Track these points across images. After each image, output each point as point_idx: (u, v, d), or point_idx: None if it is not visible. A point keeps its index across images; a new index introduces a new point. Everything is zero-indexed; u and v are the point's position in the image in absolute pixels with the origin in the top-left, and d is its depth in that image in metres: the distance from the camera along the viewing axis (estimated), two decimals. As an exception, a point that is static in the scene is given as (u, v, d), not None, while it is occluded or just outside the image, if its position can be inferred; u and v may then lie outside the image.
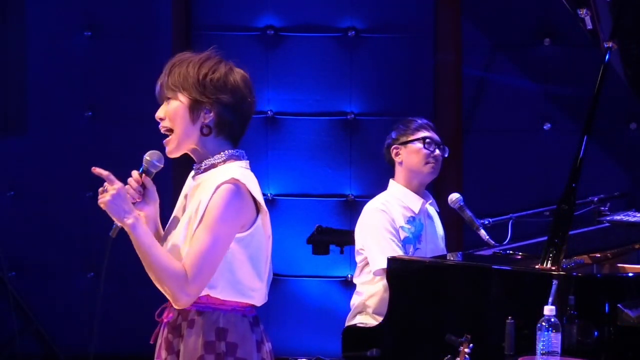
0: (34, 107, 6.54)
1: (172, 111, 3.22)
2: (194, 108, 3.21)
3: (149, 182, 3.25)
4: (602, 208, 5.41)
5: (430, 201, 4.97)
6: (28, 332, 6.56)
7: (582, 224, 5.08)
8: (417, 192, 4.90)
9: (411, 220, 4.84)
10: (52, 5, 6.62)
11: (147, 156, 3.26)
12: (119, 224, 3.12)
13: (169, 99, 3.23)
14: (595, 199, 5.41)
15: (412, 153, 4.88)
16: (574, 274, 4.03)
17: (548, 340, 3.58)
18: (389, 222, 4.77)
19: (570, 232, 4.14)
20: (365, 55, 6.60)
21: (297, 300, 6.56)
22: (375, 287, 4.77)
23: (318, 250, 6.10)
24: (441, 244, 5.00)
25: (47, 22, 6.61)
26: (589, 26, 4.87)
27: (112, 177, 3.14)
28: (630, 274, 4.29)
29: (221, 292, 3.19)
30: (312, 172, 6.58)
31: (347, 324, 4.89)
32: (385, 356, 4.48)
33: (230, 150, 3.24)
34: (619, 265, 4.50)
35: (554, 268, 4.00)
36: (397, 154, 4.90)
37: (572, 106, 6.45)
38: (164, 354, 3.26)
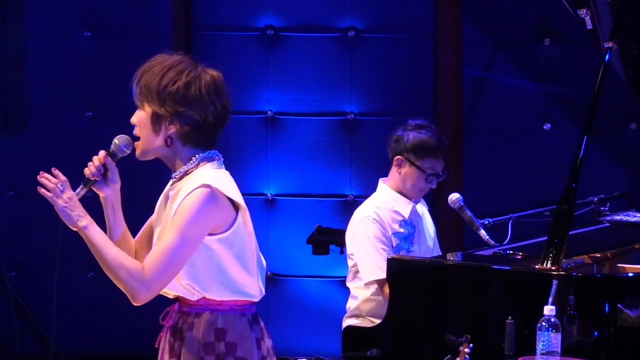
0: (34, 107, 6.54)
1: (138, 120, 3.26)
2: (156, 120, 3.22)
3: (110, 163, 3.27)
4: (602, 208, 5.41)
5: (420, 201, 4.97)
6: (28, 332, 6.56)
7: (582, 224, 5.08)
8: (406, 196, 4.88)
9: (403, 223, 4.83)
10: (52, 5, 6.62)
11: (116, 140, 3.29)
12: (73, 227, 3.18)
13: (138, 107, 3.27)
14: (595, 199, 5.40)
15: (412, 175, 4.83)
16: (574, 274, 4.03)
17: (548, 340, 3.58)
18: (380, 231, 4.75)
19: (570, 232, 4.13)
20: (365, 55, 6.60)
21: (297, 300, 6.56)
22: (369, 292, 4.77)
23: (318, 250, 6.09)
24: (432, 244, 4.99)
25: (47, 22, 6.61)
26: (589, 26, 4.87)
27: (67, 184, 3.22)
28: (630, 274, 4.29)
29: (217, 294, 3.21)
30: (312, 172, 6.58)
31: (343, 325, 4.89)
32: (385, 356, 4.47)
33: (200, 154, 3.24)
34: (619, 265, 4.50)
35: (554, 268, 4.00)
36: (400, 164, 4.86)
37: (572, 106, 6.45)
38: (166, 357, 3.28)
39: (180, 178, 3.24)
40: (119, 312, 6.46)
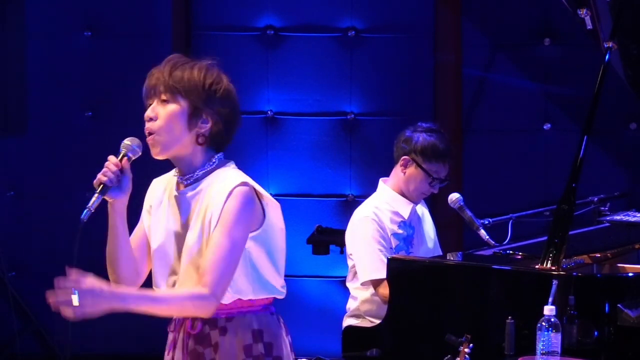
0: (34, 107, 6.54)
1: (168, 114, 3.16)
2: (193, 115, 3.16)
3: (127, 166, 3.15)
4: (602, 208, 5.41)
5: (419, 202, 4.97)
6: (28, 332, 6.56)
7: (582, 224, 5.08)
8: (406, 196, 4.88)
9: (402, 224, 4.83)
10: (52, 5, 6.62)
11: (127, 141, 3.19)
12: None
13: (165, 100, 3.18)
14: (595, 199, 5.40)
15: (417, 177, 4.83)
16: (574, 274, 4.03)
17: (548, 340, 3.58)
18: (379, 231, 4.75)
19: (570, 232, 4.13)
20: (365, 55, 6.60)
21: (297, 300, 6.56)
22: (369, 292, 4.78)
23: (318, 250, 6.10)
24: (432, 245, 4.99)
25: (47, 22, 6.61)
26: (589, 26, 4.87)
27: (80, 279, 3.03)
28: (630, 274, 4.29)
29: (252, 293, 3.18)
30: (312, 172, 6.58)
31: (343, 325, 4.90)
32: (385, 356, 4.48)
33: (219, 155, 3.23)
34: (619, 265, 4.50)
35: (554, 268, 4.00)
36: (405, 164, 4.85)
37: (572, 106, 6.45)
38: None
39: (196, 179, 3.19)
40: (118, 312, 6.47)
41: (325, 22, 6.61)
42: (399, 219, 4.82)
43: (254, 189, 3.16)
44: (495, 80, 6.57)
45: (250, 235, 3.14)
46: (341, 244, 5.42)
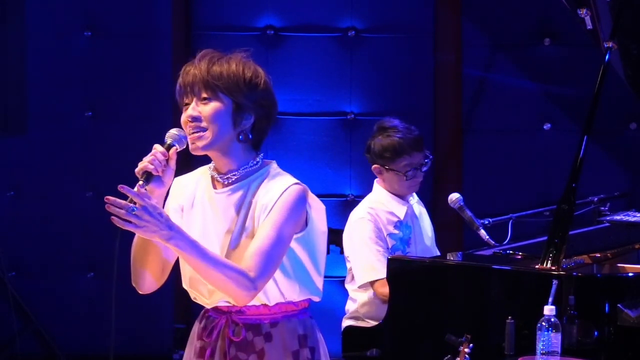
0: (34, 107, 6.54)
1: (212, 113, 3.03)
2: (237, 111, 3.05)
3: (174, 157, 2.97)
4: (602, 208, 5.41)
5: (416, 201, 4.96)
6: (28, 332, 6.55)
7: (582, 224, 5.08)
8: (401, 197, 4.88)
9: (398, 225, 4.83)
10: (52, 5, 6.61)
11: (174, 130, 3.00)
12: (159, 238, 2.85)
13: (205, 98, 3.04)
14: (595, 199, 5.40)
15: (393, 179, 4.83)
16: (574, 274, 4.03)
17: (548, 340, 3.58)
18: (375, 232, 4.75)
19: (570, 232, 4.13)
20: (365, 55, 6.60)
21: (297, 300, 6.55)
22: (367, 294, 4.77)
23: (318, 250, 6.09)
24: (430, 244, 4.98)
25: (47, 22, 6.60)
26: (589, 26, 4.87)
27: (142, 191, 2.86)
28: (630, 274, 4.28)
29: (296, 294, 3.12)
30: (312, 172, 6.57)
31: (343, 326, 4.90)
32: (385, 356, 4.47)
33: (261, 154, 3.14)
34: (619, 265, 4.50)
35: (554, 268, 4.00)
36: (378, 172, 4.86)
37: (572, 106, 6.45)
38: None
39: (239, 179, 3.09)
40: (119, 312, 6.46)
41: (325, 22, 6.61)
42: (395, 219, 4.82)
43: (307, 190, 3.10)
44: (495, 80, 6.56)
45: (295, 236, 3.06)
46: (341, 244, 5.41)
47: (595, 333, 3.90)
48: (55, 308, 6.62)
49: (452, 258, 4.55)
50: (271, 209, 3.02)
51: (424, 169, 4.85)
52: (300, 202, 3.06)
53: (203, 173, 3.19)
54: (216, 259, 2.96)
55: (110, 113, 6.55)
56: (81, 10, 6.60)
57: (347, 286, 4.90)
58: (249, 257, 2.97)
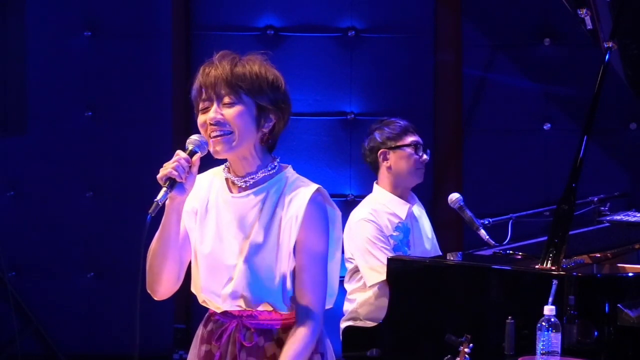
0: (34, 107, 6.54)
1: (236, 115, 2.96)
2: (260, 114, 3.00)
3: (197, 163, 2.92)
4: (602, 208, 5.41)
5: (416, 203, 4.96)
6: (28, 332, 6.56)
7: (582, 224, 5.08)
8: (402, 197, 4.88)
9: (399, 226, 4.83)
10: (52, 5, 6.62)
11: (195, 137, 2.94)
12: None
13: (228, 102, 2.97)
14: (595, 199, 5.40)
15: (402, 158, 4.85)
16: (574, 274, 4.03)
17: (548, 340, 3.58)
18: (378, 231, 4.75)
19: (570, 232, 4.13)
20: (365, 55, 6.60)
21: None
22: (366, 294, 4.77)
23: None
24: (430, 246, 4.98)
25: (47, 22, 6.61)
26: (589, 26, 4.87)
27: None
28: (630, 274, 4.29)
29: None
30: (312, 172, 6.57)
31: (342, 326, 4.89)
32: (385, 356, 4.47)
33: (278, 158, 3.10)
34: (619, 265, 4.50)
35: (554, 268, 4.00)
36: (385, 159, 4.87)
37: (572, 106, 6.45)
38: None
39: (257, 182, 3.05)
40: (119, 311, 6.47)
41: (325, 22, 6.61)
42: (397, 220, 4.82)
43: (326, 197, 3.07)
44: (495, 80, 6.57)
45: None
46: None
47: (595, 333, 3.90)
48: (55, 308, 6.62)
49: (452, 258, 4.55)
50: (302, 223, 2.99)
51: (427, 155, 4.87)
52: (325, 211, 3.04)
53: (216, 174, 3.14)
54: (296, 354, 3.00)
55: (110, 113, 6.55)
56: (81, 11, 6.61)
57: (346, 285, 4.90)
58: (308, 292, 3.01)
